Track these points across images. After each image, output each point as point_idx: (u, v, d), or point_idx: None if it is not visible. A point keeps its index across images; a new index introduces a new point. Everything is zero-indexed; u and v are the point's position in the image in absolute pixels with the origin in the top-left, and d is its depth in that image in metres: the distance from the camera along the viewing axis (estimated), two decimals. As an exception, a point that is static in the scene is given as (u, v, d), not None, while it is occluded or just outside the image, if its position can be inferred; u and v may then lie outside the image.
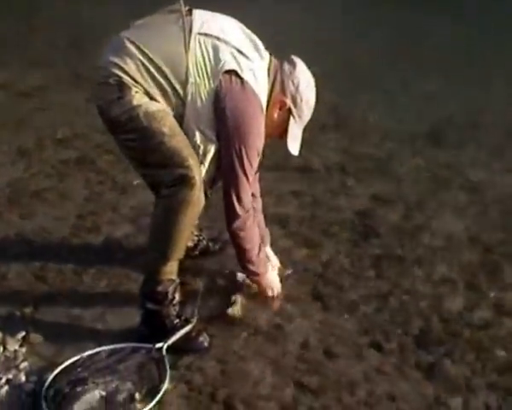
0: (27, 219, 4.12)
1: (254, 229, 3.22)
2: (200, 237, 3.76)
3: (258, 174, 3.44)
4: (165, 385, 2.84)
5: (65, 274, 3.64)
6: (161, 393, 2.80)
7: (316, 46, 6.88)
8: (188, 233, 3.08)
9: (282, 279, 3.50)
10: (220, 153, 3.03)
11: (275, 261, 3.57)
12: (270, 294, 3.42)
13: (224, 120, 2.95)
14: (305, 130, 3.24)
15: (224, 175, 3.10)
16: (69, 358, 2.94)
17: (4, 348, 3.04)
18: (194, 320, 3.14)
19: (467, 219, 4.27)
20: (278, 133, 3.21)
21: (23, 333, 3.16)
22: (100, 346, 3.01)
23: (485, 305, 3.48)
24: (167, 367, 2.91)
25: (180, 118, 2.94)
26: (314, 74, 3.22)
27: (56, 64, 6.95)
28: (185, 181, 2.88)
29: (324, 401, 2.87)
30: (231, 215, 3.12)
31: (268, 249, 3.58)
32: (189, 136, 2.97)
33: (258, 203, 3.54)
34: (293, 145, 3.19)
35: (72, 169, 4.75)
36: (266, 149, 3.16)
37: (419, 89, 6.51)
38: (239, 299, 3.37)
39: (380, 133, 5.60)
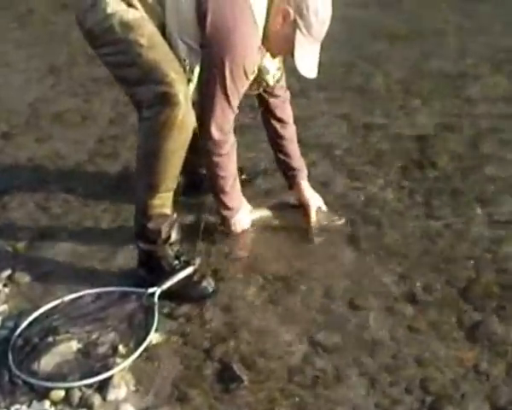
0: (43, 142, 3.84)
1: (231, 157, 2.93)
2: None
3: (285, 95, 3.15)
4: (150, 337, 2.53)
5: (71, 206, 3.38)
6: (143, 346, 2.49)
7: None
8: (177, 161, 2.71)
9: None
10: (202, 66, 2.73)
11: (310, 197, 3.21)
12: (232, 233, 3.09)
13: (205, 28, 2.63)
14: (322, 47, 2.85)
15: (202, 93, 2.77)
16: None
17: (-15, 288, 2.79)
18: (197, 262, 2.84)
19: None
20: (288, 49, 2.79)
21: (9, 271, 2.88)
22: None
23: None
24: (155, 316, 2.60)
25: (162, 27, 2.65)
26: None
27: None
28: (166, 100, 2.55)
29: (338, 364, 2.50)
30: (204, 135, 2.83)
31: (305, 184, 3.23)
32: (173, 48, 2.67)
33: (289, 130, 3.20)
34: (304, 65, 2.78)
35: (102, 88, 4.47)
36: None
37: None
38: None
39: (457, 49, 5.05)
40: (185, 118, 2.59)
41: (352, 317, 2.70)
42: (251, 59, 2.73)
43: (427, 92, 4.44)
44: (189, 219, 3.20)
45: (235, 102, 2.80)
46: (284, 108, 3.18)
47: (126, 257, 2.98)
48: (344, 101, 4.34)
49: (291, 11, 2.72)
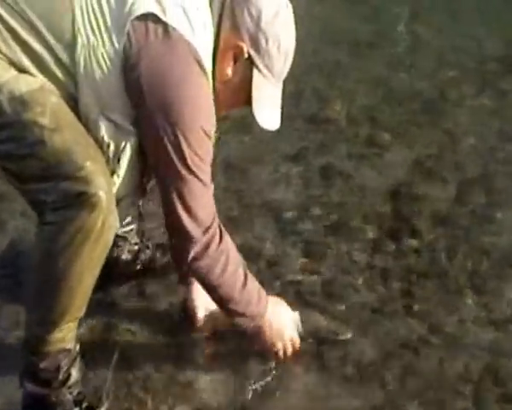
0: None
1: (226, 252, 2.19)
2: (142, 245, 2.71)
3: None
4: None
5: None
6: None
7: None
8: (89, 283, 2.06)
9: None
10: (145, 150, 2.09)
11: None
12: (279, 348, 2.35)
13: (140, 95, 2.00)
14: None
15: (161, 184, 2.13)
16: None
17: None
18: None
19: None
20: (242, 100, 2.17)
21: None
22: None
23: None
24: None
25: (72, 102, 2.02)
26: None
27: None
28: (81, 200, 1.94)
29: None
30: (183, 243, 2.14)
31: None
32: (91, 129, 2.03)
33: None
34: (265, 115, 2.14)
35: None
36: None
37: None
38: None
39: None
40: (106, 224, 1.98)
41: None
42: (209, 116, 2.08)
43: (397, 122, 3.69)
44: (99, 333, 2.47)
45: (207, 174, 2.12)
46: None
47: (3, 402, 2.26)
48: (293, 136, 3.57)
49: (244, 47, 2.08)
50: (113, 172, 2.05)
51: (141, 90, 1.99)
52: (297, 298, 2.57)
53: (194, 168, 2.06)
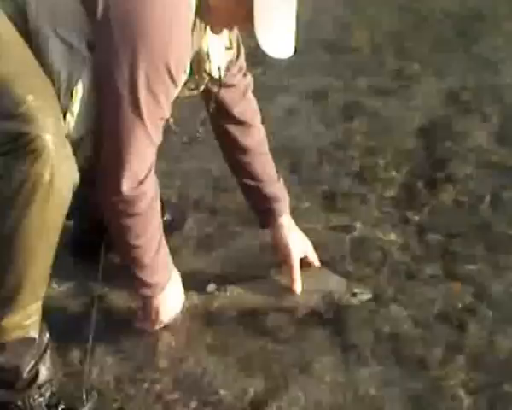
0: None
1: (152, 214, 1.89)
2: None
3: (245, 82, 2.12)
4: None
5: None
6: None
7: None
8: (46, 249, 1.72)
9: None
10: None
11: (294, 242, 2.16)
12: (165, 322, 2.05)
13: (97, 12, 1.67)
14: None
15: (102, 119, 1.76)
16: None
17: None
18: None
19: None
20: (241, 14, 1.77)
21: None
22: None
23: None
24: None
25: (19, 17, 1.68)
26: None
27: None
28: (20, 145, 1.58)
29: None
30: (107, 190, 1.83)
31: (285, 220, 2.17)
32: (41, 51, 1.69)
33: (255, 136, 2.16)
34: (271, 38, 1.74)
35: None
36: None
37: None
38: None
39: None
40: (57, 175, 1.62)
41: None
42: (179, 50, 1.73)
43: (426, 50, 3.35)
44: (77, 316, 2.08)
45: (157, 126, 1.79)
46: (245, 103, 2.13)
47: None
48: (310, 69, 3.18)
49: None
50: (65, 113, 1.69)
51: (97, 5, 1.66)
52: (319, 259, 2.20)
53: (142, 107, 1.72)
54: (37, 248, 1.69)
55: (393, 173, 2.61)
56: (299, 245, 2.15)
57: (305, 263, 2.14)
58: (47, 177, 1.60)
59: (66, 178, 1.65)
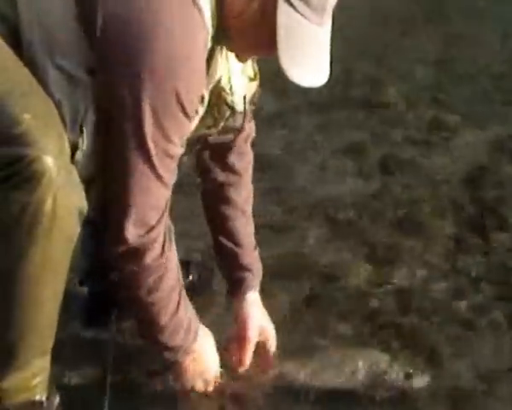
0: None
1: (166, 268, 1.64)
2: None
3: (250, 130, 1.88)
4: None
5: None
6: None
7: None
8: (53, 292, 1.55)
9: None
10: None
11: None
12: (200, 387, 1.82)
13: (95, 27, 1.47)
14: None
15: (106, 171, 1.57)
16: None
17: None
18: None
19: None
20: (264, 39, 1.54)
21: None
22: None
23: None
24: None
25: (14, 41, 1.50)
26: None
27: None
28: (20, 168, 1.42)
29: None
30: (113, 234, 1.59)
31: (251, 297, 1.93)
32: (40, 80, 1.50)
33: (244, 189, 1.93)
34: (298, 64, 1.51)
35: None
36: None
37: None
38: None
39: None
40: (61, 203, 1.45)
41: None
42: (189, 71, 1.51)
43: (464, 101, 3.21)
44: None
45: (167, 167, 1.56)
46: (244, 151, 1.91)
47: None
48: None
49: None
50: (74, 149, 1.50)
51: (97, 21, 1.46)
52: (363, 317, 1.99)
53: (150, 145, 1.50)
54: (41, 290, 1.52)
55: (441, 222, 2.42)
56: (258, 326, 1.92)
57: (260, 347, 1.91)
58: (49, 204, 1.44)
59: (70, 206, 1.48)
